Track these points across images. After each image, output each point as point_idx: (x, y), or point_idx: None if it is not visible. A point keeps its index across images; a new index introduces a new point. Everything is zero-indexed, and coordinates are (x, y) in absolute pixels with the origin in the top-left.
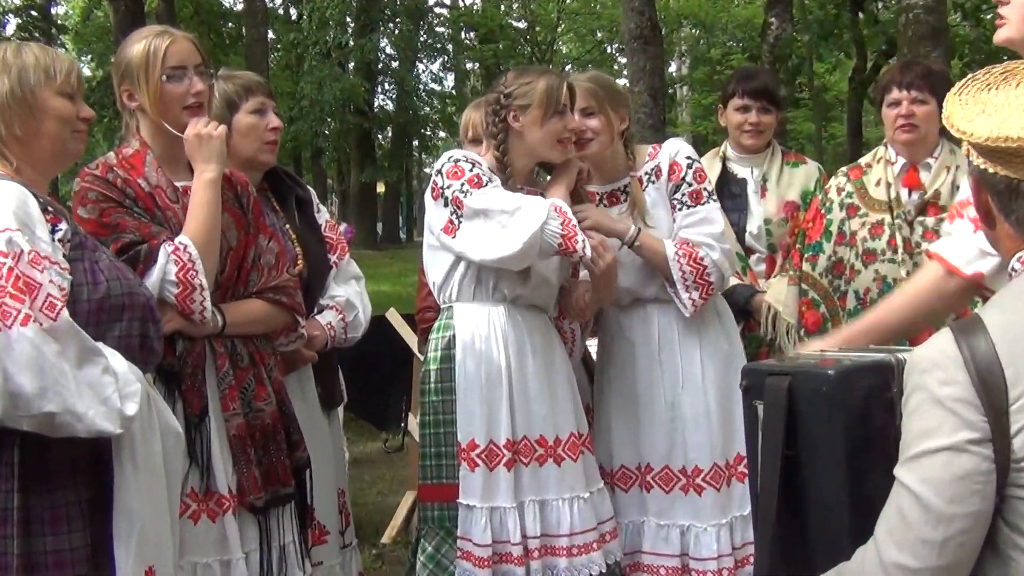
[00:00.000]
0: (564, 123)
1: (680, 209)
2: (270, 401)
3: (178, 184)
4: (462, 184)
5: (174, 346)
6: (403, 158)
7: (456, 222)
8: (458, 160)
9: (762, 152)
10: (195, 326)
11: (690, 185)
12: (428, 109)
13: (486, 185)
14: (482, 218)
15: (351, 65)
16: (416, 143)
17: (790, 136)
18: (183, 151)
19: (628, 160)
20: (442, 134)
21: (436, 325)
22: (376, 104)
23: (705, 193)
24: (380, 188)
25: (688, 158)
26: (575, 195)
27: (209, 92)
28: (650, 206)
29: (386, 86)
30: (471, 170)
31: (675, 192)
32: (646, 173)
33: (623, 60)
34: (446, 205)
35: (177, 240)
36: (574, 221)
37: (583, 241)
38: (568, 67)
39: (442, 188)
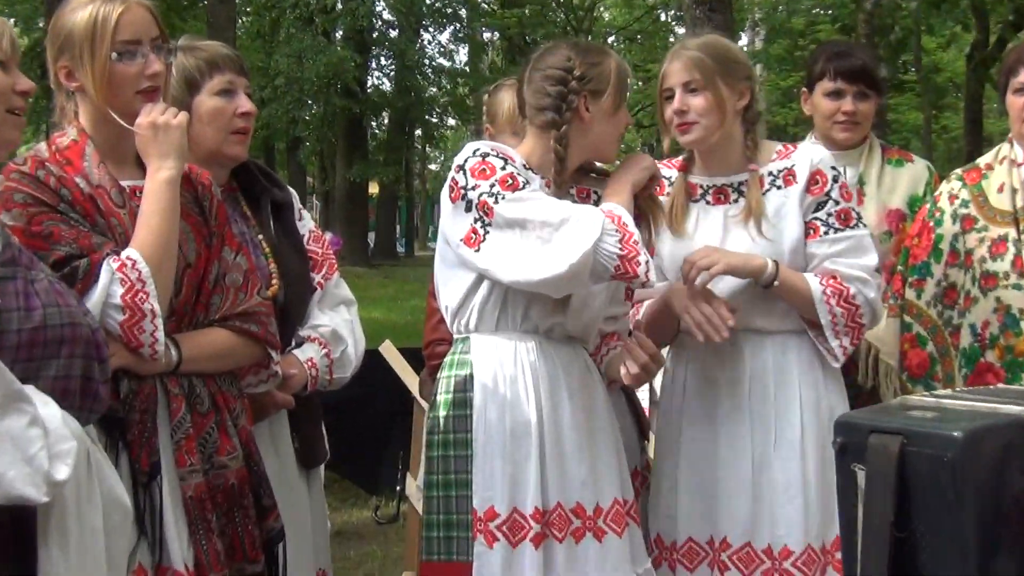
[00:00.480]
0: (627, 115)
1: (825, 232)
2: (236, 456)
3: (125, 184)
4: (492, 185)
5: (118, 387)
6: (402, 151)
7: (482, 232)
8: (486, 154)
9: (857, 148)
10: (144, 362)
11: (837, 203)
12: (434, 90)
13: (523, 188)
14: (517, 230)
15: (338, 34)
16: (419, 132)
17: (891, 128)
18: (133, 143)
19: (747, 149)
20: (451, 121)
21: (448, 361)
22: (369, 83)
23: (855, 215)
24: (373, 189)
25: (834, 168)
26: (642, 209)
27: (167, 72)
28: (771, 214)
29: (382, 61)
30: (503, 168)
31: (816, 209)
32: (770, 173)
33: (680, 31)
34: (469, 210)
35: (124, 254)
36: (636, 236)
37: (646, 263)
38: (611, 39)
39: (464, 188)
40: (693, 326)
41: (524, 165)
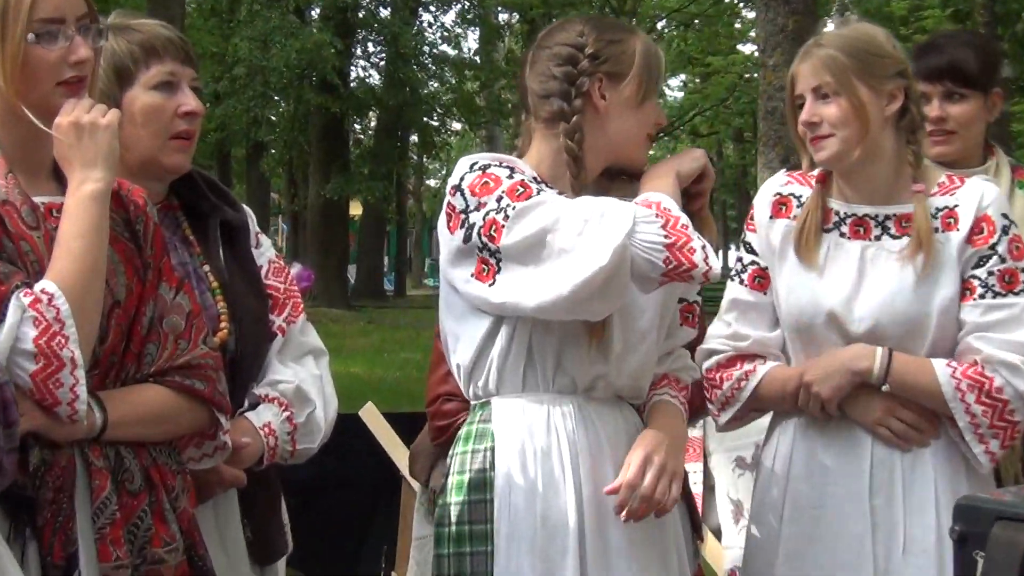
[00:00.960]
0: (659, 112)
1: (981, 296)
2: (175, 548)
3: (40, 200)
4: (499, 199)
5: (27, 457)
6: (393, 162)
7: (493, 261)
8: (486, 167)
9: (964, 164)
10: (61, 425)
11: (1003, 260)
12: (435, 85)
13: (536, 194)
14: (535, 245)
15: (315, 12)
16: (415, 139)
17: (1017, 142)
18: (50, 149)
19: (908, 166)
20: (456, 125)
21: (464, 433)
22: (353, 75)
23: (1022, 278)
24: (355, 209)
25: (1004, 216)
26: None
27: (96, 59)
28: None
29: (370, 47)
30: (509, 177)
31: (977, 264)
32: (936, 209)
33: (749, 15)
34: (470, 239)
35: (37, 287)
36: (684, 220)
37: (702, 248)
38: (661, 24)
39: (464, 212)
40: (895, 439)
41: (535, 178)
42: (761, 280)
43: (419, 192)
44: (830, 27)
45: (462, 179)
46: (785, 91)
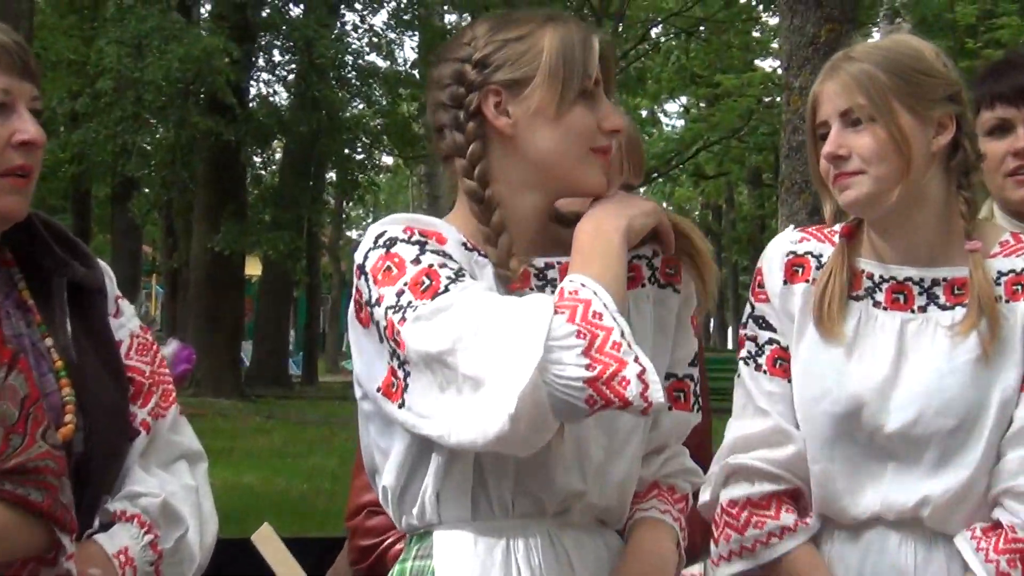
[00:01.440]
0: (599, 113)
1: None
2: None
3: None
4: (399, 294)
5: None
6: (304, 207)
7: (401, 375)
8: (392, 242)
9: None
10: None
11: None
12: (361, 106)
13: (445, 290)
14: (436, 365)
15: (204, 9)
16: (332, 176)
17: None
18: None
19: (959, 218)
20: (387, 159)
21: (397, 571)
22: (254, 93)
23: None
24: (253, 268)
25: None
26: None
27: None
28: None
29: (276, 56)
30: (415, 261)
31: None
32: (998, 273)
33: (771, 21)
34: (381, 339)
35: None
36: (617, 333)
37: (637, 378)
38: (656, 30)
39: (369, 305)
40: None
41: (465, 244)
42: (784, 364)
43: (337, 247)
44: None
45: (366, 258)
46: (806, 117)
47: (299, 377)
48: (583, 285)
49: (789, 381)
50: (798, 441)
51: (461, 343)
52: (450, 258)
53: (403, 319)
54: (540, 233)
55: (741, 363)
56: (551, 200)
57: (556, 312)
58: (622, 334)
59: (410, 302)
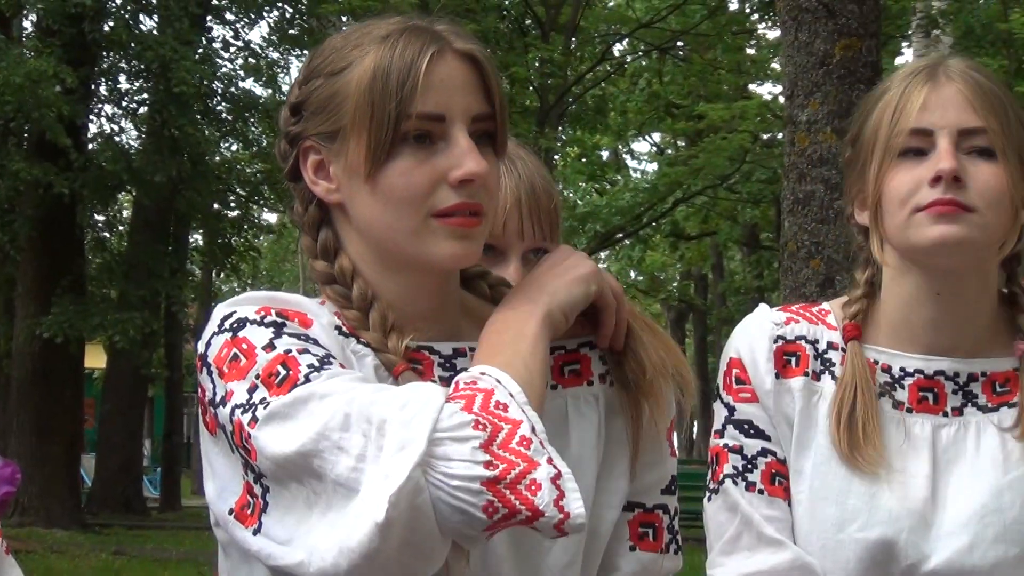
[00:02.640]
0: (441, 162)
1: None
2: None
3: None
4: (249, 390)
5: None
6: (161, 280)
7: (259, 491)
8: (241, 323)
9: None
10: None
11: None
12: (236, 146)
13: (306, 380)
14: (303, 479)
15: (28, 22)
16: (197, 237)
17: None
18: None
19: (1012, 309)
20: (269, 216)
21: None
22: (94, 131)
23: None
24: (95, 360)
25: None
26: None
27: None
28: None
29: (123, 83)
30: (269, 344)
31: None
32: None
33: (770, 35)
34: (232, 449)
35: None
36: (527, 428)
37: (550, 480)
38: (619, 47)
39: (214, 404)
40: None
41: (340, 328)
42: (784, 481)
43: (203, 331)
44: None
45: (208, 345)
46: (864, 126)
47: (156, 500)
48: (483, 374)
49: (789, 503)
50: None
51: (327, 441)
52: (314, 343)
53: (253, 420)
54: (441, 312)
55: (729, 481)
56: (419, 278)
57: (448, 401)
58: (533, 429)
59: (263, 399)
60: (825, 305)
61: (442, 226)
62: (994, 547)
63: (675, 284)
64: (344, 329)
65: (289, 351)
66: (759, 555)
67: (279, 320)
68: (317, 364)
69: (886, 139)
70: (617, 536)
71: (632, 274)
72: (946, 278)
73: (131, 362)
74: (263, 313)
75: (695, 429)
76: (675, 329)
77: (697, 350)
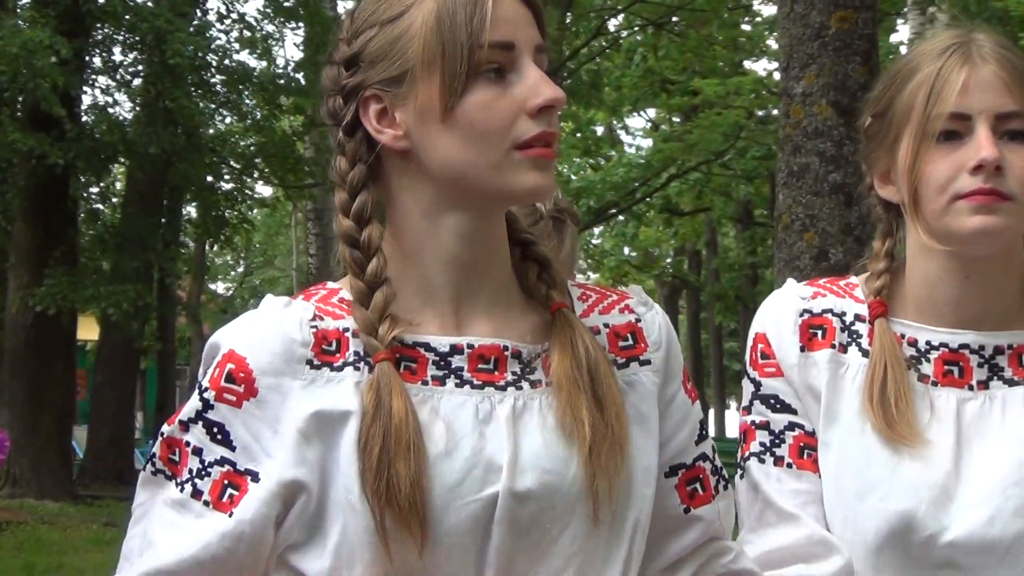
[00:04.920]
0: (518, 90)
1: None
2: None
3: None
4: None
5: None
6: (154, 253)
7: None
8: (205, 390)
9: None
10: None
11: None
12: (229, 119)
13: (198, 479)
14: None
15: None
16: (191, 212)
17: None
18: None
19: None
20: (263, 190)
21: None
22: (88, 102)
23: None
24: (88, 332)
25: None
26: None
27: None
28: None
29: (117, 55)
30: (185, 424)
31: None
32: None
33: (766, 10)
34: None
35: None
36: None
37: None
38: (615, 23)
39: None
40: None
41: (315, 320)
42: (813, 453)
43: (197, 303)
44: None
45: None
46: (895, 101)
47: None
48: None
49: (819, 475)
50: (843, 551)
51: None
52: (216, 437)
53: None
54: (482, 277)
55: (753, 460)
56: (481, 219)
57: None
58: None
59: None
60: (853, 278)
61: (524, 158)
62: (1014, 520)
63: (669, 260)
64: (321, 317)
65: (188, 444)
66: (780, 531)
67: (209, 397)
68: (189, 481)
69: (922, 120)
70: (666, 508)
71: (626, 250)
72: (976, 262)
73: (124, 334)
74: (219, 372)
75: None
76: (668, 305)
77: (690, 326)
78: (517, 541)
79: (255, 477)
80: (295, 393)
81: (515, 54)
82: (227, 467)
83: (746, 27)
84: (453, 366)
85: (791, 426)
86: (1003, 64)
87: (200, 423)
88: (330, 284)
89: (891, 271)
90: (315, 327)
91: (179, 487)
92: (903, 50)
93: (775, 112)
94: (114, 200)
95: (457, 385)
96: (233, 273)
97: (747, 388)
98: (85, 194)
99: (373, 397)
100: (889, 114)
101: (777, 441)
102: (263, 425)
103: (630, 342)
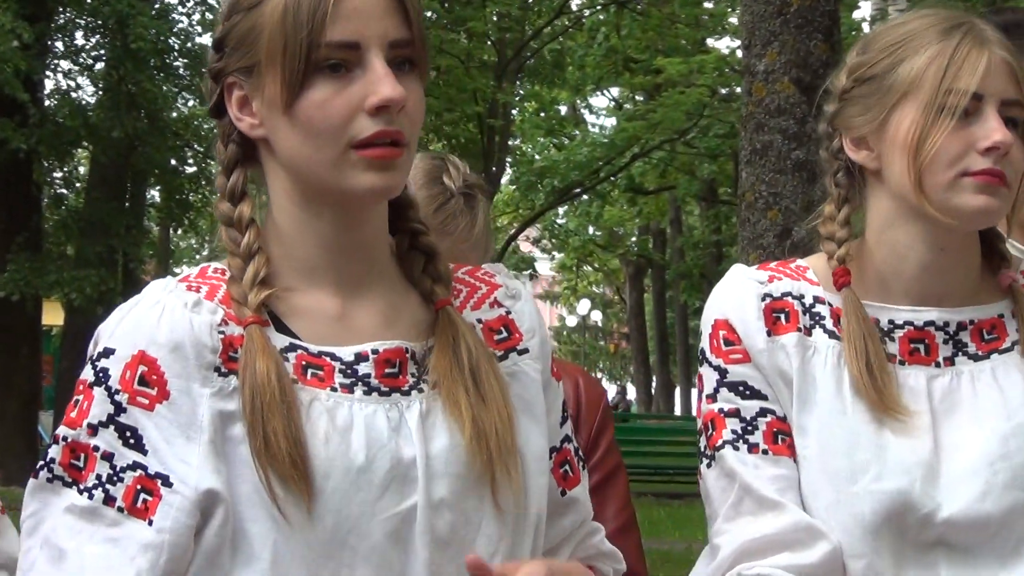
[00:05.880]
0: (358, 88)
1: None
2: None
3: None
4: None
5: None
6: (118, 237)
7: None
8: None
9: None
10: None
11: None
12: (193, 102)
13: (110, 485)
14: None
15: None
16: (154, 194)
17: None
18: None
19: (992, 255)
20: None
21: None
22: (51, 87)
23: None
24: (53, 317)
25: None
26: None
27: None
28: (1008, 397)
29: (79, 40)
30: (97, 383)
31: None
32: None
33: None
34: None
35: None
36: None
37: None
38: (577, 1)
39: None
40: None
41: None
42: (787, 438)
43: None
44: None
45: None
46: (895, 69)
47: None
48: None
49: (794, 460)
50: (830, 536)
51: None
52: (129, 441)
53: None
54: (361, 259)
55: (728, 448)
56: (339, 216)
57: None
58: None
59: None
60: (800, 262)
61: (361, 158)
62: (1006, 493)
63: (633, 239)
64: (227, 322)
65: (97, 449)
66: (762, 519)
67: (104, 370)
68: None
69: (935, 93)
70: (548, 494)
71: (590, 229)
72: (953, 236)
73: (88, 319)
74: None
75: (654, 383)
76: (634, 284)
77: (656, 305)
78: (440, 553)
79: (166, 481)
80: (204, 401)
81: (360, 52)
82: (139, 471)
83: (708, 5)
84: (360, 373)
85: (763, 412)
86: (1010, 52)
87: (112, 427)
88: (215, 264)
89: (851, 240)
90: (223, 333)
91: (85, 494)
92: (865, 28)
93: (738, 90)
94: (78, 185)
95: (365, 393)
96: (198, 257)
97: (709, 376)
98: (48, 179)
99: (242, 360)
100: (887, 82)
101: (750, 428)
102: (176, 429)
103: (504, 335)
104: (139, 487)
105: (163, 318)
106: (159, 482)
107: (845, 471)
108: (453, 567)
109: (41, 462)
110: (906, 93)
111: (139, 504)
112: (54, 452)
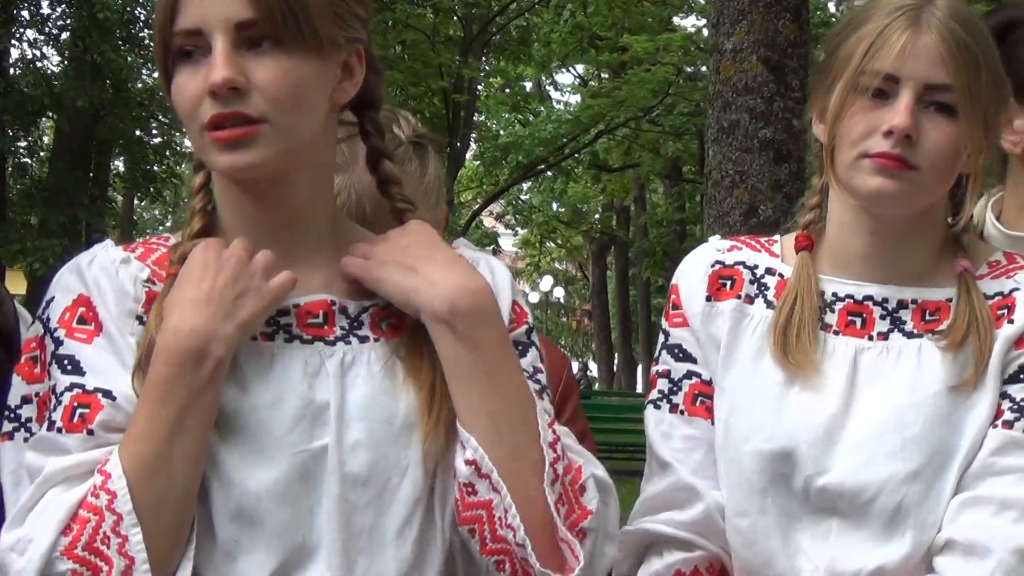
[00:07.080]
0: (213, 63)
1: (1008, 422)
2: None
3: None
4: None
5: None
6: (82, 207)
7: None
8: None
9: None
10: None
11: None
12: (156, 73)
13: (75, 420)
14: None
15: None
16: (119, 164)
17: None
18: None
19: (951, 243)
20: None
21: None
22: (16, 56)
23: None
24: (16, 287)
25: None
26: None
27: None
28: (956, 374)
29: (44, 9)
30: (53, 336)
31: (1013, 379)
32: (984, 296)
33: None
34: None
35: None
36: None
37: None
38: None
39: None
40: None
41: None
42: (707, 400)
43: None
44: None
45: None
46: (840, 47)
47: None
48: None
49: (712, 422)
50: (707, 497)
51: None
52: (67, 368)
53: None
54: (281, 228)
55: (650, 408)
56: (249, 197)
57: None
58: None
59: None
60: (777, 236)
61: (212, 139)
62: (886, 462)
63: (597, 216)
64: (154, 282)
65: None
66: (655, 480)
67: (48, 318)
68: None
69: (855, 73)
70: None
71: (554, 206)
72: (881, 220)
73: (41, 285)
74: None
75: (616, 361)
76: (597, 261)
77: (619, 282)
78: (356, 493)
79: (108, 394)
80: (131, 344)
81: (204, 37)
82: (76, 391)
83: None
84: (282, 324)
85: (689, 374)
86: (945, 36)
87: (54, 362)
88: (172, 239)
89: (820, 208)
90: (148, 287)
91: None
92: (831, 7)
93: (704, 69)
94: (42, 154)
95: (287, 340)
96: (162, 227)
97: (660, 339)
98: (13, 148)
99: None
100: (834, 58)
101: (675, 389)
102: (113, 357)
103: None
104: (76, 404)
105: (93, 266)
106: (99, 395)
107: (743, 430)
108: (372, 506)
109: (15, 424)
110: (840, 71)
111: (75, 420)
112: (28, 411)
